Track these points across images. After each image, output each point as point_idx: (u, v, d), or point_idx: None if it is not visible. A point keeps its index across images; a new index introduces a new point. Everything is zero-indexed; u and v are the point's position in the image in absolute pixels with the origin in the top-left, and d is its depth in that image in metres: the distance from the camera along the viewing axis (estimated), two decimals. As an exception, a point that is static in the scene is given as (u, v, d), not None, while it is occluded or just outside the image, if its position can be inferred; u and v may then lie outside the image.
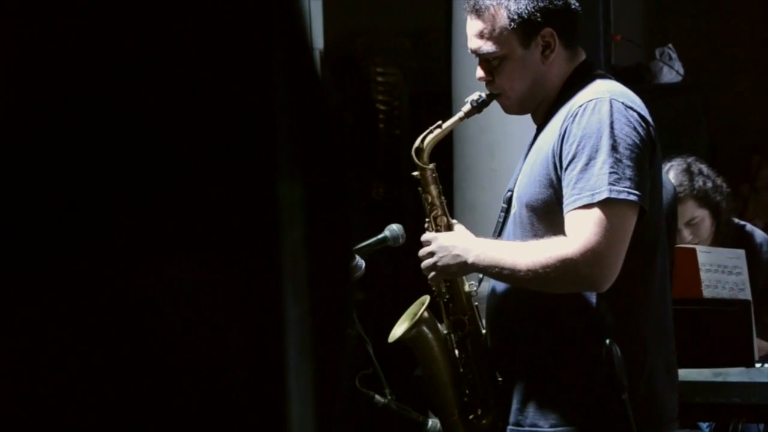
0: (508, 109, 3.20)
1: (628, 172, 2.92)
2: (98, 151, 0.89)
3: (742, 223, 4.93)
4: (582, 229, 2.92)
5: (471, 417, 3.21)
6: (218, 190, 0.91)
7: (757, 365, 4.38)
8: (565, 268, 2.92)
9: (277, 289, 0.93)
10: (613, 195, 2.90)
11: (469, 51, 3.16)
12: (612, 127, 2.94)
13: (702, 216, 4.78)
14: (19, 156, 0.88)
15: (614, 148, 2.92)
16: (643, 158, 2.96)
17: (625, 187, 2.91)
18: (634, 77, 6.72)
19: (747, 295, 4.51)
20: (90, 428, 0.89)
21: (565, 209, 2.95)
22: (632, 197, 2.91)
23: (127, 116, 0.89)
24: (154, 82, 0.90)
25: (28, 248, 0.87)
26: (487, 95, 3.18)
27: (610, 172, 2.91)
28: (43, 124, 0.88)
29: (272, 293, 0.92)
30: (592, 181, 2.92)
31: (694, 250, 4.54)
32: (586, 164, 2.93)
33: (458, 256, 3.10)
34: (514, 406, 3.10)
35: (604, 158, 2.92)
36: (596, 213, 2.91)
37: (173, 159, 0.90)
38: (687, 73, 7.35)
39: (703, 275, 4.48)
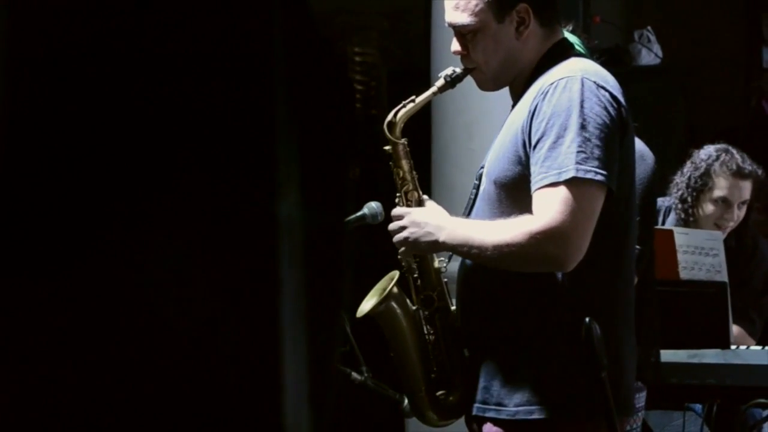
0: (482, 84, 3.19)
1: (597, 152, 2.90)
2: (95, 149, 0.88)
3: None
4: (547, 208, 2.90)
5: (438, 394, 3.20)
6: (215, 171, 0.91)
7: (732, 347, 4.40)
8: (530, 246, 2.90)
9: (273, 260, 0.92)
10: (580, 174, 2.88)
11: (446, 24, 3.16)
12: (582, 106, 2.92)
13: (747, 201, 4.82)
14: (21, 153, 0.87)
15: (583, 127, 2.91)
16: (613, 138, 2.94)
17: (593, 166, 2.89)
18: (613, 59, 6.72)
19: (723, 277, 4.52)
20: (92, 421, 0.89)
21: (533, 187, 2.94)
22: (599, 177, 2.90)
23: (123, 111, 0.89)
24: (150, 77, 0.90)
25: (28, 245, 0.87)
26: (462, 70, 3.18)
27: (578, 151, 2.89)
28: (46, 122, 0.88)
29: (267, 265, 0.92)
30: (560, 160, 2.90)
31: (671, 232, 4.54)
32: (554, 142, 2.92)
33: (430, 233, 3.09)
34: (481, 383, 3.09)
35: (572, 137, 2.90)
36: (562, 191, 2.89)
37: (164, 147, 0.90)
38: (665, 55, 7.36)
39: (680, 256, 4.49)
